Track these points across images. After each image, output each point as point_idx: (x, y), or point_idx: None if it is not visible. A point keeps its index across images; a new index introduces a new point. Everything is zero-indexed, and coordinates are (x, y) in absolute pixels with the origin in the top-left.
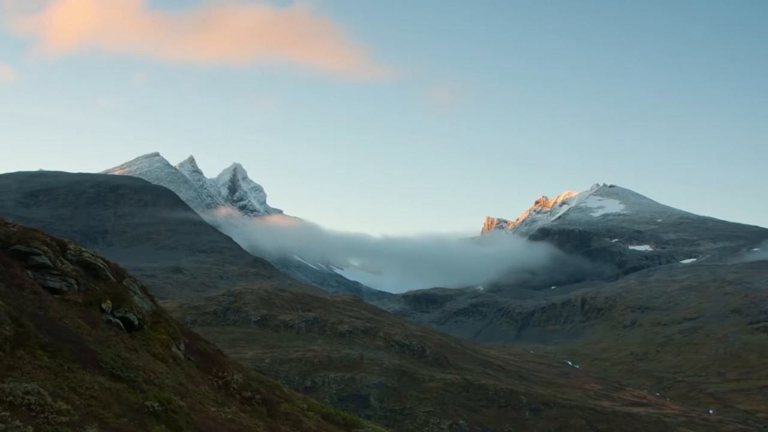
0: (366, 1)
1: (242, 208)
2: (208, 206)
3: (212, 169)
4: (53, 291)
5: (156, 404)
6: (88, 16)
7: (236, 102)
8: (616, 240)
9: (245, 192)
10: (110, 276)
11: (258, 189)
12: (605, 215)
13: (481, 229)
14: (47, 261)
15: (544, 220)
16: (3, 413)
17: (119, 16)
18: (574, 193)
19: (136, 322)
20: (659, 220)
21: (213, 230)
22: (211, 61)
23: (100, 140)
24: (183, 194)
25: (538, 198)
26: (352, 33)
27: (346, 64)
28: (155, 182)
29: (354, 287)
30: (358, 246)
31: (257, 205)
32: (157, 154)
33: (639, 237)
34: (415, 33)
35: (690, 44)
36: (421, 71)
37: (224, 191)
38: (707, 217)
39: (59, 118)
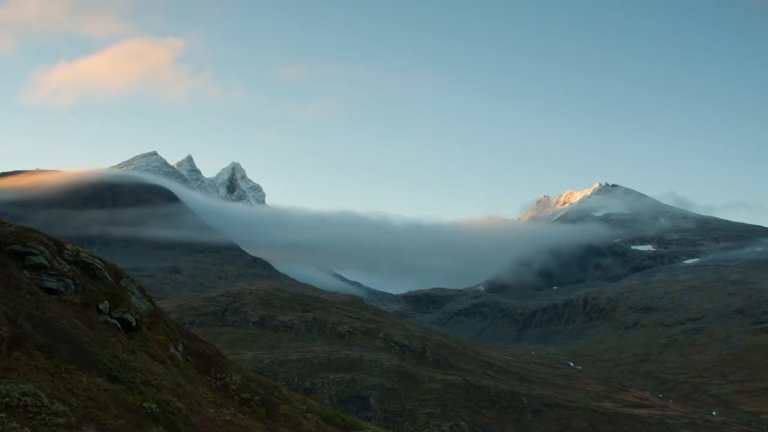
0: None
1: None
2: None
3: (211, 168)
4: (50, 291)
5: (154, 406)
6: None
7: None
8: (618, 240)
9: (244, 191)
10: (108, 276)
11: (257, 188)
12: (607, 215)
13: None
14: (44, 261)
15: (546, 220)
16: (0, 415)
17: None
18: (576, 193)
19: (134, 323)
20: (662, 220)
21: (211, 230)
22: None
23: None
24: (181, 194)
25: (540, 197)
26: None
27: None
28: (153, 181)
29: (354, 288)
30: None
31: (256, 205)
32: (155, 153)
33: (641, 237)
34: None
35: (692, 44)
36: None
37: (222, 191)
38: (710, 217)
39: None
